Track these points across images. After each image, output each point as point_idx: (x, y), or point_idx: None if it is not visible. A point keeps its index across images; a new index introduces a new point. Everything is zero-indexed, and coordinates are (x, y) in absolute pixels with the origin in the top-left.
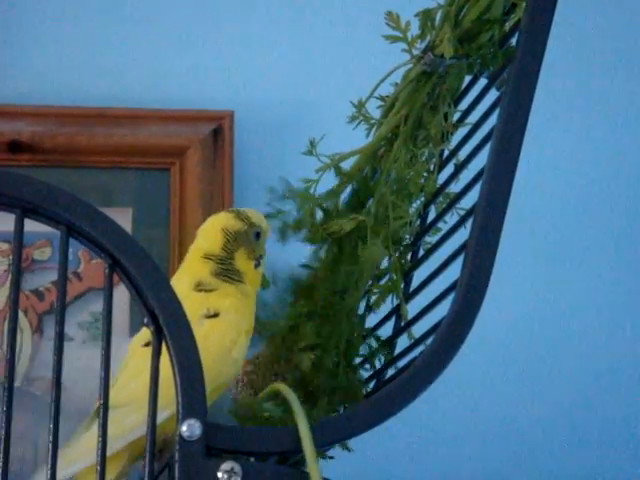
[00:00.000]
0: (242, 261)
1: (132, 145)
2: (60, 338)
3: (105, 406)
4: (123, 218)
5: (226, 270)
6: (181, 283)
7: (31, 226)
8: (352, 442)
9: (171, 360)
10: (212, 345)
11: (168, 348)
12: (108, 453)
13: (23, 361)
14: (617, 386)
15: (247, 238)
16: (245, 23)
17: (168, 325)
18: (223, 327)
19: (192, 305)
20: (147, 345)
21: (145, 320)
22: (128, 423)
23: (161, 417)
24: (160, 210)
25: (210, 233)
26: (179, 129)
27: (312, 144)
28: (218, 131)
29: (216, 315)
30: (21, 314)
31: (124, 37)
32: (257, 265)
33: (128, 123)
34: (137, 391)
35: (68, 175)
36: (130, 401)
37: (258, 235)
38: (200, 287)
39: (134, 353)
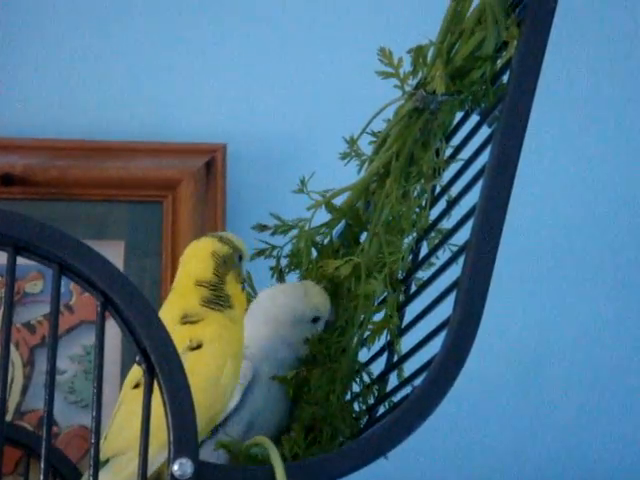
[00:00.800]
0: (232, 285)
1: (125, 178)
2: (52, 374)
3: (97, 440)
4: (116, 251)
5: (217, 297)
6: (169, 315)
7: (24, 259)
8: None
9: (163, 398)
10: (199, 378)
11: (160, 386)
12: None
13: (14, 394)
14: (612, 408)
15: (233, 262)
16: (238, 57)
17: (160, 364)
18: (207, 357)
19: (176, 339)
20: (137, 387)
21: (137, 358)
22: (130, 471)
23: (160, 459)
24: (153, 243)
25: (200, 258)
26: (172, 162)
27: (303, 182)
28: (211, 164)
29: (199, 347)
30: (12, 347)
31: (117, 70)
32: (243, 288)
33: (121, 156)
34: (134, 437)
35: (61, 208)
36: (128, 448)
37: (240, 258)
38: (186, 319)
39: (125, 395)
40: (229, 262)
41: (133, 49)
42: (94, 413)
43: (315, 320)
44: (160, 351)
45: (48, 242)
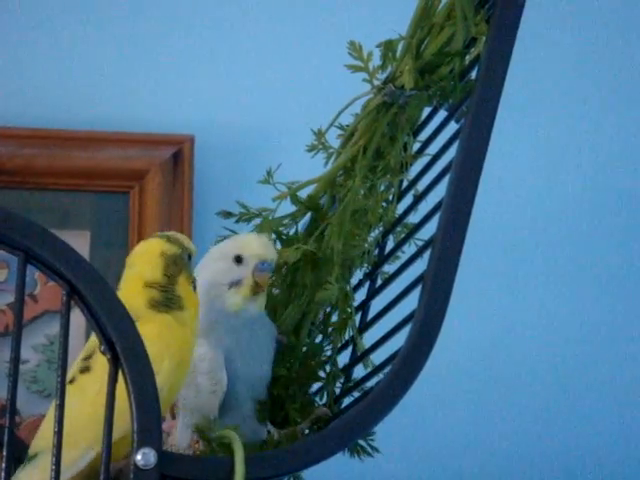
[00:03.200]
0: (183, 286)
1: (92, 168)
2: (16, 364)
3: (60, 433)
4: (81, 241)
5: (168, 299)
6: None
7: None
8: None
9: (127, 388)
10: None
11: (125, 376)
12: None
13: None
14: (580, 412)
15: (183, 262)
16: (207, 49)
17: (125, 354)
18: None
19: None
20: (71, 382)
21: (102, 348)
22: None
23: (84, 460)
24: (119, 233)
25: (149, 259)
26: (139, 152)
27: (269, 174)
28: (178, 155)
29: None
30: None
31: (86, 61)
32: (194, 288)
33: (88, 146)
34: (66, 433)
35: (27, 197)
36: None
37: (189, 258)
38: None
39: None
40: (179, 262)
41: (102, 40)
42: (58, 402)
43: (238, 260)
44: (126, 341)
45: (14, 230)
